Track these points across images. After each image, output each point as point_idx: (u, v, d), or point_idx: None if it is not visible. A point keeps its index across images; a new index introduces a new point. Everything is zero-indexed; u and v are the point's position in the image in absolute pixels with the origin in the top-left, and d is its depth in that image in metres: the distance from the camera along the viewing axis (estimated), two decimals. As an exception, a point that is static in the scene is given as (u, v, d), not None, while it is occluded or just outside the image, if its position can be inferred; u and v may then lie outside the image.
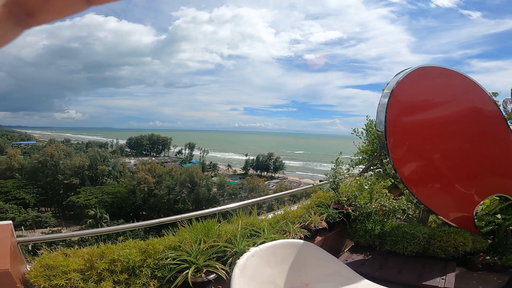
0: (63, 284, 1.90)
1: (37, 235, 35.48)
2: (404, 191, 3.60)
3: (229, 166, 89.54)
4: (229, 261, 2.46)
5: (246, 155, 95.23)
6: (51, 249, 2.20)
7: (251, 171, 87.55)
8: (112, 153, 79.76)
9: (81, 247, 2.29)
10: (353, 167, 5.03)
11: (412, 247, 3.29)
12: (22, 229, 35.21)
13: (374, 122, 5.31)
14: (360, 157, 5.42)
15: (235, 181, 63.36)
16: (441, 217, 3.65)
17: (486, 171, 3.82)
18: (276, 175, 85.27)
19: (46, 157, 56.29)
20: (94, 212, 41.47)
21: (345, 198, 3.76)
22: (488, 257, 3.43)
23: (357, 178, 3.91)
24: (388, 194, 3.74)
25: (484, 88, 3.92)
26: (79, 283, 1.95)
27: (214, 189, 54.55)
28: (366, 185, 3.74)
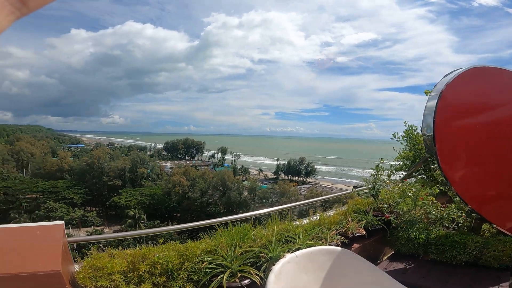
0: (107, 285, 1.96)
1: (82, 233, 38.38)
2: (454, 199, 3.33)
3: (260, 170, 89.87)
4: (263, 267, 2.42)
5: (277, 159, 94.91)
6: (95, 248, 2.28)
7: (282, 175, 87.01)
8: (150, 156, 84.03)
9: (122, 246, 2.38)
10: (393, 173, 4.77)
11: (461, 256, 3.07)
12: (69, 228, 38.26)
13: (413, 127, 5.02)
14: (401, 163, 5.14)
15: (266, 185, 63.34)
16: (496, 226, 3.36)
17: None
18: (308, 180, 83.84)
19: (94, 160, 60.84)
20: (133, 213, 43.78)
21: (386, 205, 3.58)
22: None
23: (400, 184, 3.70)
24: (435, 201, 3.48)
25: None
26: (122, 285, 2.00)
27: (245, 193, 55.02)
28: (409, 192, 3.53)
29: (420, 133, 4.64)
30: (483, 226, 3.66)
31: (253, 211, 3.40)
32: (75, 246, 2.54)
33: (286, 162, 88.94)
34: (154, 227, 40.76)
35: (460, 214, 3.44)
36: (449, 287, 2.78)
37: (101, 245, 2.71)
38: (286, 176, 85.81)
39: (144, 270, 2.12)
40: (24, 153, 72.05)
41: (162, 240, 2.52)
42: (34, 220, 40.21)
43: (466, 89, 3.48)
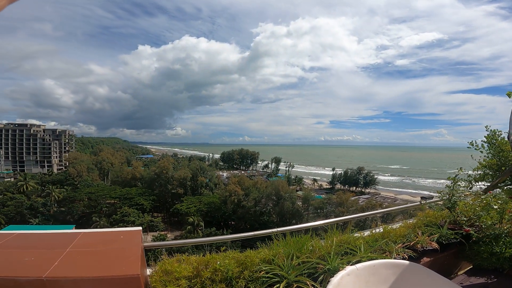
0: None
1: (149, 237, 41.85)
2: None
3: (314, 180, 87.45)
4: (320, 278, 2.32)
5: (333, 169, 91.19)
6: (157, 253, 2.43)
7: (338, 185, 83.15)
8: (208, 166, 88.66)
9: (184, 253, 2.49)
10: (473, 184, 4.18)
11: None
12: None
13: (496, 132, 4.39)
14: (482, 172, 4.49)
15: (321, 195, 61.14)
16: None
17: None
18: (367, 190, 78.43)
19: (162, 170, 66.67)
20: (192, 220, 46.34)
21: (465, 218, 3.16)
22: None
23: (482, 196, 3.23)
24: None
25: None
26: None
27: (299, 203, 53.89)
28: (495, 204, 3.06)
29: (506, 139, 4.11)
30: None
31: (307, 221, 3.30)
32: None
33: (342, 172, 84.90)
34: (210, 233, 42.61)
35: None
36: None
37: (164, 250, 2.91)
38: (342, 186, 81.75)
39: (207, 277, 2.19)
40: (106, 162, 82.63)
41: (224, 248, 2.59)
42: (111, 223, 45.41)
43: None
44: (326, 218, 3.33)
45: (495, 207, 3.08)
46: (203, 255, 2.42)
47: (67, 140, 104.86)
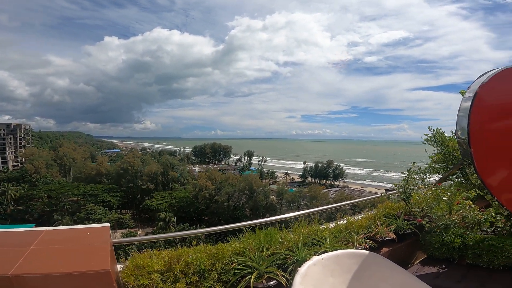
0: (147, 283, 2.09)
1: (118, 235, 40.29)
2: (493, 203, 3.16)
3: (286, 174, 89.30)
4: (289, 269, 2.45)
5: (304, 162, 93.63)
6: (128, 250, 2.44)
7: (309, 179, 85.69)
8: (180, 161, 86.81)
9: (155, 248, 2.52)
10: (427, 177, 4.57)
11: (499, 260, 2.95)
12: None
13: (438, 129, 4.81)
14: (436, 166, 4.91)
15: (293, 189, 62.67)
16: None
17: None
18: (336, 183, 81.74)
19: (128, 166, 64.11)
20: (164, 216, 45.32)
21: (418, 209, 3.46)
22: None
23: (434, 188, 3.56)
24: (472, 205, 3.31)
25: None
26: (159, 283, 2.12)
27: (272, 197, 54.86)
28: (444, 196, 3.38)
29: (449, 136, 4.50)
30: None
31: (280, 214, 3.44)
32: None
33: (313, 165, 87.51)
34: (183, 229, 41.91)
35: (499, 218, 3.25)
36: None
37: (134, 246, 2.90)
38: (313, 180, 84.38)
39: (179, 270, 2.23)
40: (67, 158, 77.68)
41: (195, 242, 2.64)
42: (76, 222, 42.99)
43: (502, 89, 3.30)
44: (298, 211, 3.49)
45: (444, 198, 3.38)
46: (175, 250, 2.46)
47: (23, 135, 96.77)
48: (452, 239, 3.20)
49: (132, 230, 45.44)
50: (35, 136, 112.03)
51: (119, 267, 2.25)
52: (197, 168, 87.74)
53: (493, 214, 3.21)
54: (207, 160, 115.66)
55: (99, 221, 41.78)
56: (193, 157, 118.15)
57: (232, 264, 2.39)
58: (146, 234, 46.25)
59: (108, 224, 2.36)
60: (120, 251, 2.43)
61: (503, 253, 2.94)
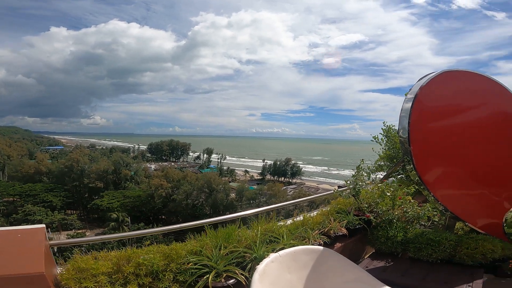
0: (91, 286, 1.97)
1: (63, 237, 37.10)
2: (429, 198, 3.48)
3: (246, 171, 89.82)
4: (248, 267, 2.47)
5: (263, 160, 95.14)
6: (76, 252, 2.28)
7: (268, 176, 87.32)
8: (133, 159, 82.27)
9: (106, 250, 2.37)
10: (374, 174, 4.92)
11: (437, 254, 3.19)
12: (49, 231, 36.87)
13: (391, 127, 5.17)
14: (382, 163, 5.31)
15: (253, 186, 63.34)
16: (469, 224, 3.52)
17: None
18: (294, 180, 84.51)
19: (73, 162, 58.94)
20: (116, 216, 42.77)
21: (366, 205, 3.69)
22: None
23: (379, 184, 3.83)
24: (412, 201, 3.64)
25: (512, 91, 3.76)
26: (107, 286, 2.02)
27: (232, 195, 54.85)
28: (388, 191, 3.66)
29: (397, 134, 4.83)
30: (456, 224, 3.84)
31: (240, 212, 3.44)
32: (55, 250, 2.51)
33: (272, 163, 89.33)
34: (138, 229, 39.87)
35: (435, 213, 3.60)
36: (427, 284, 2.86)
37: (83, 248, 2.69)
38: (272, 177, 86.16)
39: (129, 272, 2.13)
40: (1, 155, 68.95)
41: (148, 242, 2.53)
42: (11, 224, 38.45)
43: (439, 92, 3.60)
44: (257, 208, 3.53)
45: (388, 194, 3.66)
46: (124, 251, 2.35)
47: None
48: (395, 233, 3.40)
49: (80, 231, 42.14)
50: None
51: (59, 270, 2.11)
52: (153, 166, 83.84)
53: (429, 209, 3.54)
54: (164, 158, 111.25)
55: (40, 222, 37.90)
56: (149, 155, 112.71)
57: (188, 264, 2.33)
58: (96, 235, 43.16)
59: (44, 225, 2.18)
60: (69, 253, 2.26)
61: (440, 247, 3.16)
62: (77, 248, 2.70)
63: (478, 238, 3.25)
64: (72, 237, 36.59)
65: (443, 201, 3.40)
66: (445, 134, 3.58)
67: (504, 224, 3.51)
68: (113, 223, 41.95)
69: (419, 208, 3.56)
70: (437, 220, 3.77)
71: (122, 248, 2.40)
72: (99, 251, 2.33)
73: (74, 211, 55.75)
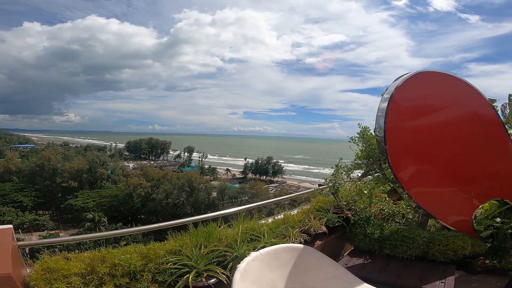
0: (63, 287, 1.90)
1: (34, 238, 35.33)
2: (404, 196, 3.59)
3: (227, 170, 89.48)
4: (229, 266, 2.46)
5: (245, 159, 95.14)
6: (50, 253, 2.20)
7: (250, 175, 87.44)
8: (110, 157, 79.57)
9: (81, 251, 2.29)
10: (352, 172, 5.05)
11: (411, 251, 3.30)
12: (19, 232, 35.00)
13: (366, 128, 5.37)
14: (360, 162, 5.46)
15: (235, 185, 63.18)
16: (440, 221, 3.64)
17: (485, 175, 3.85)
18: (275, 179, 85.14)
19: (44, 161, 56.22)
20: (92, 216, 41.36)
21: (345, 203, 3.77)
22: (487, 261, 3.43)
23: (357, 183, 3.93)
24: (388, 198, 3.75)
25: (482, 92, 3.96)
26: (80, 287, 1.95)
27: (214, 194, 54.41)
28: (365, 189, 3.76)
29: (373, 134, 4.85)
30: (429, 221, 4.00)
31: (221, 211, 3.41)
32: (27, 251, 2.40)
33: (253, 162, 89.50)
34: (116, 229, 38.67)
35: (409, 210, 3.73)
36: (402, 281, 2.93)
37: (56, 249, 2.58)
38: (254, 176, 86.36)
39: (104, 272, 2.07)
40: (-34, 153, 64.36)
41: (124, 242, 2.46)
42: (-24, 226, 36.08)
43: (414, 92, 3.73)
44: (239, 206, 3.51)
45: (365, 192, 3.77)
46: (98, 251, 2.27)
47: None
48: (373, 230, 3.49)
49: (52, 232, 40.45)
50: None
51: (29, 271, 2.04)
52: (131, 165, 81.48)
53: (404, 206, 3.67)
54: (143, 156, 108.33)
55: (10, 223, 35.75)
56: (127, 153, 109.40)
57: (167, 263, 2.29)
58: (71, 235, 41.41)
59: (11, 226, 2.09)
60: (43, 254, 2.17)
61: (414, 244, 3.27)
62: (50, 249, 2.59)
63: (449, 235, 3.36)
64: (44, 237, 34.98)
65: (416, 199, 3.51)
66: (419, 133, 3.70)
67: (474, 221, 3.68)
68: (88, 223, 40.53)
69: (394, 205, 3.68)
70: (411, 217, 3.90)
71: (98, 249, 2.32)
72: (78, 252, 2.25)
73: (47, 212, 53.29)
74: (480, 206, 3.74)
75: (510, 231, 3.85)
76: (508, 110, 4.19)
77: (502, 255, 3.48)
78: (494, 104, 4.05)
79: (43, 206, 53.88)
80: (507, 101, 4.25)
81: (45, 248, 2.57)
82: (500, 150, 3.92)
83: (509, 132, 4.02)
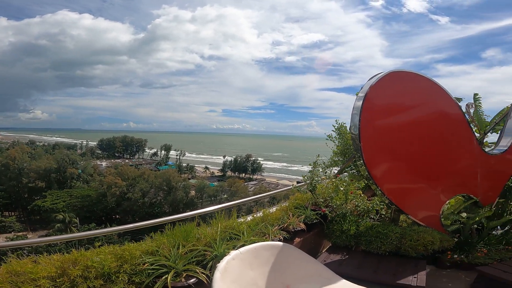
0: None
1: (0, 240, 33.01)
2: (377, 192, 3.69)
3: (206, 168, 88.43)
4: (209, 265, 2.44)
5: (224, 156, 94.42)
6: (18, 255, 2.07)
7: (229, 173, 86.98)
8: (81, 156, 75.89)
9: (51, 253, 2.17)
10: (329, 169, 5.15)
11: (385, 246, 3.39)
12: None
13: (342, 124, 5.50)
14: (336, 159, 5.58)
15: (214, 183, 62.56)
16: (411, 217, 3.78)
17: (452, 172, 4.03)
18: (254, 176, 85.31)
19: (9, 160, 52.61)
20: (62, 216, 39.34)
21: (322, 200, 3.83)
22: (455, 256, 3.59)
23: (333, 179, 4.01)
24: (362, 195, 3.86)
25: (449, 92, 4.15)
26: None
27: (192, 192, 53.57)
28: (341, 186, 3.84)
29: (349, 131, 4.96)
30: (400, 217, 4.16)
31: (199, 209, 3.37)
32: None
33: (232, 159, 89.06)
34: (89, 230, 37.07)
35: (382, 206, 3.87)
36: (378, 276, 3.03)
37: (25, 251, 2.43)
38: (232, 173, 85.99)
39: (77, 275, 1.98)
40: None
41: (98, 243, 2.36)
42: None
43: (386, 91, 3.83)
44: (218, 205, 3.47)
45: (341, 189, 3.86)
46: (69, 253, 2.18)
47: None
48: (349, 227, 3.58)
49: (20, 234, 38.20)
50: None
51: None
52: (104, 163, 78.23)
53: (377, 202, 3.79)
54: (117, 155, 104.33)
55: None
56: (99, 151, 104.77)
57: (144, 264, 2.23)
58: (40, 237, 39.21)
59: None
60: (9, 257, 2.05)
61: (387, 239, 3.39)
62: (18, 251, 2.44)
63: (420, 230, 3.50)
64: (12, 239, 32.85)
65: (388, 195, 3.63)
66: (391, 131, 3.82)
67: (441, 217, 3.87)
68: (59, 225, 38.54)
69: (368, 202, 3.79)
70: (384, 213, 4.04)
71: (70, 250, 2.22)
72: (47, 255, 2.13)
73: (13, 213, 49.95)
74: (447, 201, 3.93)
75: (475, 226, 4.10)
76: (473, 109, 4.45)
77: (469, 250, 3.67)
78: (460, 103, 4.28)
79: (9, 207, 50.56)
80: (472, 101, 4.52)
81: (12, 250, 2.41)
82: (466, 147, 4.14)
83: (473, 130, 4.27)
